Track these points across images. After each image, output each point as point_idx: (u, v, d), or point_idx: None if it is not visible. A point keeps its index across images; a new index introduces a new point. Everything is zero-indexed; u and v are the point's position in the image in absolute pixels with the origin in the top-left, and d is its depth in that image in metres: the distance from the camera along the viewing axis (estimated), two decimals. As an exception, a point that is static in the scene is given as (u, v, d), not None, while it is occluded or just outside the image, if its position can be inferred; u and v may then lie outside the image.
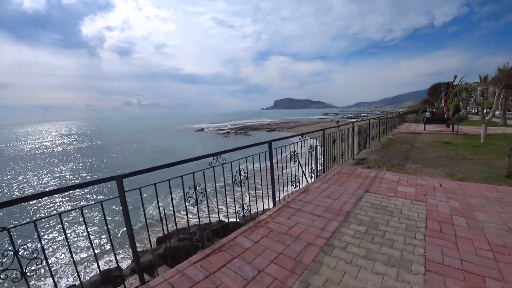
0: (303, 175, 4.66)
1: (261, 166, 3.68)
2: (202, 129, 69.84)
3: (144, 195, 2.23)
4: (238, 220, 11.27)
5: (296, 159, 4.34)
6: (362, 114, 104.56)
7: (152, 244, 11.54)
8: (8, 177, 25.73)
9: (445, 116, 17.67)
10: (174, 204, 2.41)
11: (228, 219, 3.66)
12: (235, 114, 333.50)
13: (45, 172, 27.09)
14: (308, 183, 4.88)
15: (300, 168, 4.45)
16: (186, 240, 10.37)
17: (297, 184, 4.45)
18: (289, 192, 4.24)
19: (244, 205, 3.21)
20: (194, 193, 2.53)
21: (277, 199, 3.93)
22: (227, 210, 3.13)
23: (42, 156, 41.51)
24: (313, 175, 5.14)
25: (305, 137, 4.62)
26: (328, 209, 3.72)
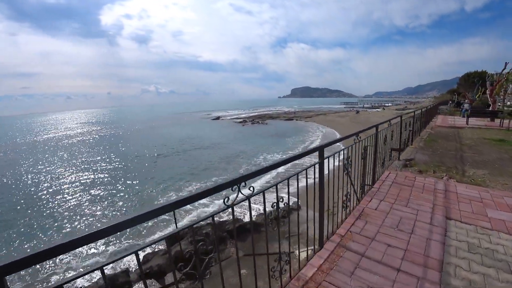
0: (352, 188, 3.33)
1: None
2: (218, 118, 69.05)
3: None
4: (256, 220, 10.12)
5: (348, 169, 3.01)
6: (387, 104, 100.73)
7: (163, 246, 10.66)
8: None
9: (490, 109, 15.58)
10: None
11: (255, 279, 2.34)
12: (252, 102, 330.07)
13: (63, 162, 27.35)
14: (360, 201, 3.55)
15: (348, 178, 3.12)
16: (197, 243, 9.41)
17: (348, 203, 3.14)
18: (337, 218, 2.93)
19: (283, 254, 1.94)
20: (197, 265, 1.28)
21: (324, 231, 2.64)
22: (254, 260, 1.85)
23: (68, 146, 42.35)
24: (360, 186, 3.80)
25: (359, 137, 3.26)
26: (406, 254, 2.41)
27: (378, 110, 71.85)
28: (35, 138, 51.49)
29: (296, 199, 2.35)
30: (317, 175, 2.37)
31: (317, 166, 2.31)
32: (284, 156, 1.85)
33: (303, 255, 2.52)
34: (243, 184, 1.49)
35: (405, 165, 6.21)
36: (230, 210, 1.51)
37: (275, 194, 1.83)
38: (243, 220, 11.42)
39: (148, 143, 34.12)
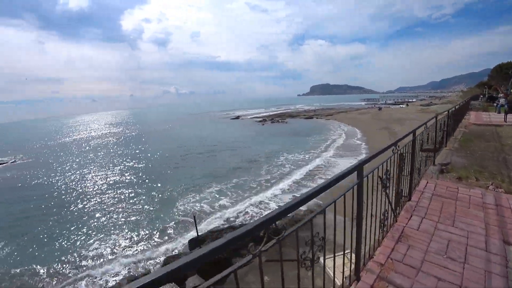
0: (390, 205, 2.94)
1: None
2: (238, 117, 69.34)
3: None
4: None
5: (387, 185, 2.64)
6: (411, 100, 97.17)
7: (184, 246, 10.65)
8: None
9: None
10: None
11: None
12: (271, 100, 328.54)
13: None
14: (397, 218, 3.15)
15: (386, 196, 2.75)
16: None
17: (385, 221, 2.77)
18: (373, 239, 2.57)
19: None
20: None
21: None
22: (281, 267, 1.56)
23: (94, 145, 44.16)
24: (397, 200, 3.39)
25: (398, 146, 2.87)
26: (463, 291, 2.02)
27: (401, 106, 69.08)
28: (66, 139, 54.49)
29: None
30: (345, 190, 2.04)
31: (355, 187, 1.98)
32: (319, 183, 1.54)
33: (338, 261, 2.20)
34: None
35: (441, 171, 5.66)
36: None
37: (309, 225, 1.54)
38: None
39: (169, 144, 34.76)
